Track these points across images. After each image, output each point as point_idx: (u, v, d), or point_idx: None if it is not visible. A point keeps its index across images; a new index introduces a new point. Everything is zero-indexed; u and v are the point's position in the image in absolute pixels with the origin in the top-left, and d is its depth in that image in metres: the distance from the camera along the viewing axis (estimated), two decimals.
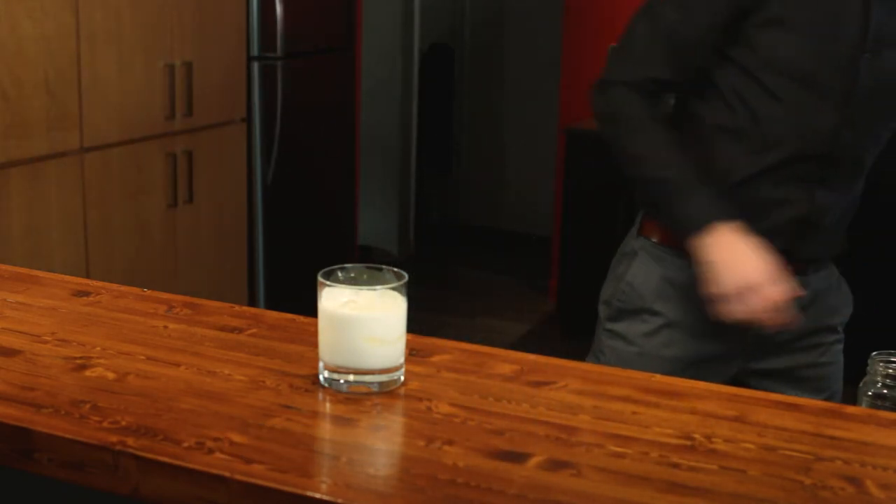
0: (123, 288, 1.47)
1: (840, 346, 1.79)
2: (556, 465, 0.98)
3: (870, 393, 1.22)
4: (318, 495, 0.91)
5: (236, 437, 1.01)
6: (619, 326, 1.73)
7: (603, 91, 1.67)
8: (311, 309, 1.20)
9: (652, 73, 1.63)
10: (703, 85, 1.66)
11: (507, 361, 1.23)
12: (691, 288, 1.65)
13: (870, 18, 1.56)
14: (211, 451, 0.98)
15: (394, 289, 1.14)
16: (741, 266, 1.55)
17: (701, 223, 1.57)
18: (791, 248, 1.65)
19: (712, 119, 1.65)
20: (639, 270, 1.72)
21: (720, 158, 1.65)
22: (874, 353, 1.24)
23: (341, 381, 1.13)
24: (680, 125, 1.70)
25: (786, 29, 1.57)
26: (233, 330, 1.31)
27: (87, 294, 1.44)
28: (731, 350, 1.71)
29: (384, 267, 1.17)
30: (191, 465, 0.96)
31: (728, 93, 1.63)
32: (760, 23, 1.58)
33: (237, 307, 1.40)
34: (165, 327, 1.31)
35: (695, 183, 1.60)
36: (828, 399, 1.67)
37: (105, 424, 1.03)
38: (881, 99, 1.62)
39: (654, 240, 1.72)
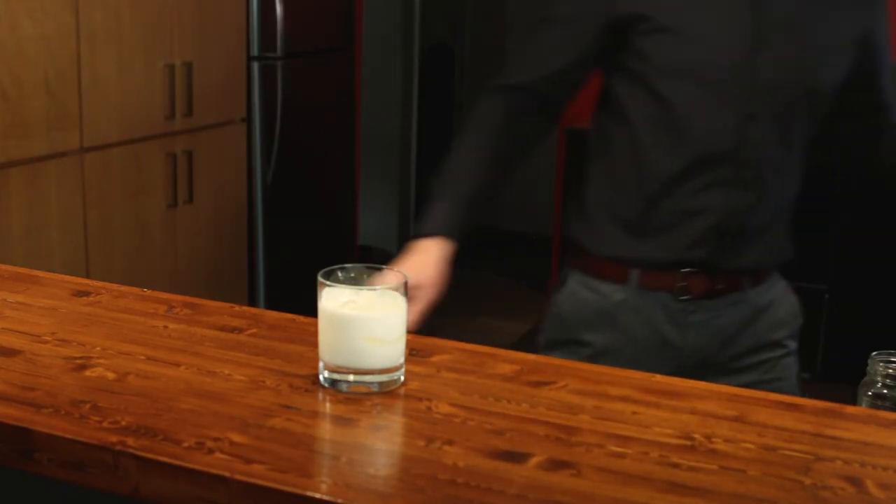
0: (123, 288, 1.47)
1: (790, 360, 1.73)
2: (556, 465, 0.98)
3: (870, 393, 1.22)
4: (318, 495, 0.91)
5: (236, 437, 1.01)
6: (553, 355, 1.70)
7: (479, 96, 1.69)
8: (311, 309, 1.20)
9: (518, 80, 1.65)
10: (608, 100, 1.66)
11: (507, 361, 1.23)
12: (619, 315, 1.64)
13: (760, 13, 1.53)
14: (211, 451, 0.98)
15: (394, 289, 1.14)
16: (412, 267, 1.48)
17: (420, 230, 1.56)
18: (716, 259, 1.62)
19: (620, 133, 1.64)
20: (567, 299, 1.70)
21: (631, 172, 1.63)
22: (874, 353, 1.24)
23: (341, 381, 1.13)
24: (599, 145, 1.69)
25: (673, 34, 1.54)
26: (233, 330, 1.31)
27: (87, 294, 1.44)
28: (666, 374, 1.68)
29: (384, 267, 1.17)
30: (191, 465, 0.96)
31: (630, 104, 1.61)
32: (647, 31, 1.56)
33: (237, 307, 1.40)
34: (165, 327, 1.31)
35: (443, 192, 1.60)
36: None
37: (105, 424, 1.03)
38: (784, 92, 1.57)
39: (581, 268, 1.70)
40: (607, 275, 1.66)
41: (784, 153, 1.61)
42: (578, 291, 1.69)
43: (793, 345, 1.74)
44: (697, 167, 1.58)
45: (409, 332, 1.20)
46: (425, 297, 1.44)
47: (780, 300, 1.74)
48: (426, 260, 1.49)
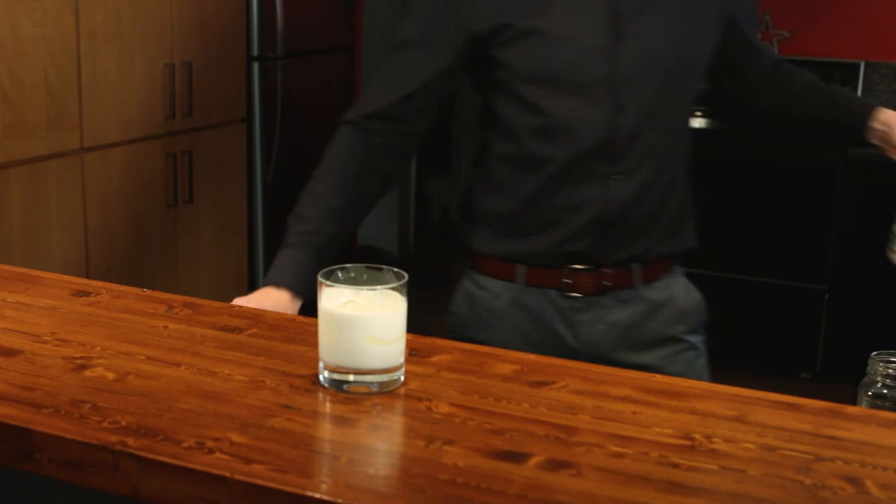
0: (123, 288, 1.47)
1: (691, 354, 1.70)
2: (556, 465, 0.98)
3: (870, 393, 1.22)
4: (318, 495, 0.91)
5: (236, 437, 1.01)
6: None
7: (338, 129, 1.70)
8: (311, 309, 1.20)
9: (378, 107, 1.64)
10: (483, 110, 1.67)
11: (507, 361, 1.23)
12: (510, 313, 1.64)
13: (615, 6, 1.54)
14: (211, 451, 0.98)
15: (394, 289, 1.14)
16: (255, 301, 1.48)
17: (271, 279, 1.54)
18: (600, 252, 1.61)
19: (498, 138, 1.64)
20: (461, 299, 1.71)
21: (510, 175, 1.63)
22: (874, 353, 1.24)
23: (341, 381, 1.13)
24: (481, 151, 1.69)
25: (534, 38, 1.54)
26: (233, 330, 1.31)
27: (87, 294, 1.44)
28: None
29: (384, 267, 1.17)
30: (191, 465, 0.96)
31: (501, 112, 1.61)
32: (508, 40, 1.56)
33: (237, 307, 1.40)
34: (165, 327, 1.31)
35: (297, 240, 1.59)
36: None
37: (105, 424, 1.03)
38: (649, 81, 1.57)
39: (473, 267, 1.70)
40: (495, 273, 1.66)
41: (660, 140, 1.61)
42: (471, 291, 1.69)
43: (694, 339, 1.71)
44: (574, 163, 1.59)
45: None
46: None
47: (679, 296, 1.71)
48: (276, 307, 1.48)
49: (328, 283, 1.14)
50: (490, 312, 1.67)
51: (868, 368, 1.23)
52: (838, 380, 3.28)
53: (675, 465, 0.98)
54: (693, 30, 1.61)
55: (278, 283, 1.51)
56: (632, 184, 1.60)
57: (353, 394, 1.12)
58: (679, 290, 1.72)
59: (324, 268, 1.25)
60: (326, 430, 1.07)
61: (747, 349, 4.02)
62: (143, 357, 1.21)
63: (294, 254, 1.56)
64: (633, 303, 1.65)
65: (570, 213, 1.60)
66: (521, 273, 1.64)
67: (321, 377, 1.15)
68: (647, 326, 1.66)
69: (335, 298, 1.13)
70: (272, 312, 1.39)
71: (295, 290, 1.50)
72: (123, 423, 1.04)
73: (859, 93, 4.18)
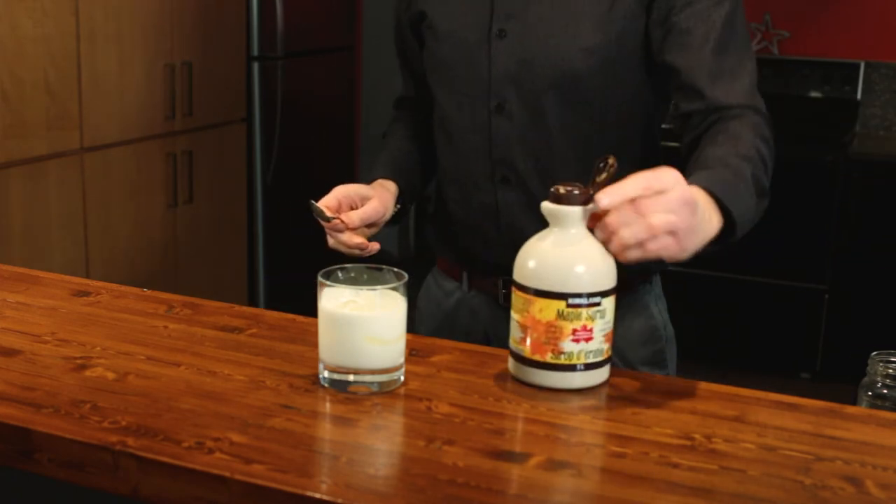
0: (123, 288, 1.47)
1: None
2: (556, 465, 0.98)
3: (870, 393, 1.22)
4: (318, 495, 0.91)
5: (236, 437, 1.01)
6: None
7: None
8: (311, 309, 1.20)
9: (403, 93, 1.72)
10: None
11: (507, 361, 1.23)
12: (458, 314, 1.62)
13: (496, 3, 1.46)
14: (211, 451, 0.98)
15: (394, 289, 1.14)
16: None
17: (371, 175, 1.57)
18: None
19: (437, 138, 1.63)
20: (423, 295, 1.69)
21: (445, 175, 1.62)
22: (874, 353, 1.24)
23: (341, 381, 1.13)
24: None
25: (433, 30, 1.53)
26: (233, 330, 1.31)
27: (87, 294, 1.44)
28: None
29: (384, 267, 1.17)
30: (191, 465, 0.96)
31: (432, 105, 1.61)
32: (425, 29, 1.55)
33: (237, 307, 1.40)
34: (165, 327, 1.31)
35: (385, 149, 1.63)
36: None
37: (105, 424, 1.03)
38: (533, 82, 1.45)
39: (436, 265, 1.69)
40: (448, 273, 1.64)
41: (561, 150, 1.47)
42: (431, 288, 1.68)
43: (649, 370, 1.56)
44: (464, 165, 1.54)
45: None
46: (371, 208, 1.46)
47: (628, 322, 1.55)
48: (382, 187, 1.51)
49: (328, 283, 1.14)
50: (444, 312, 1.65)
51: (868, 368, 1.23)
52: (838, 380, 3.29)
53: (675, 465, 0.98)
54: (596, 30, 1.42)
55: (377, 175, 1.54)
56: (521, 194, 1.50)
57: (353, 394, 1.12)
58: (630, 314, 1.55)
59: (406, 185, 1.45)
60: (326, 430, 1.07)
61: (747, 349, 4.02)
62: (143, 357, 1.21)
63: (383, 164, 1.58)
64: None
65: (482, 218, 1.55)
66: (465, 277, 1.61)
67: (321, 377, 1.15)
68: None
69: (335, 298, 1.13)
70: (272, 312, 1.39)
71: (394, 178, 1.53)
72: (123, 423, 1.04)
73: (859, 93, 4.18)
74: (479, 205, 1.54)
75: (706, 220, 1.16)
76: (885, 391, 1.21)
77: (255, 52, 3.77)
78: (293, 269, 3.93)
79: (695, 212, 1.11)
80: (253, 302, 3.89)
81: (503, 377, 1.18)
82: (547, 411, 1.10)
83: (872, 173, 3.82)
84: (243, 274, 3.86)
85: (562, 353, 1.12)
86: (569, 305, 1.11)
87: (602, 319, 1.12)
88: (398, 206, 1.53)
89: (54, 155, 2.99)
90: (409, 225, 5.50)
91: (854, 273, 3.85)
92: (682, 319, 4.27)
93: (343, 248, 1.46)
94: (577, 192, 1.13)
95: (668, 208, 1.07)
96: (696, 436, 1.04)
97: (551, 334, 1.12)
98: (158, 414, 1.06)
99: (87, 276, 3.06)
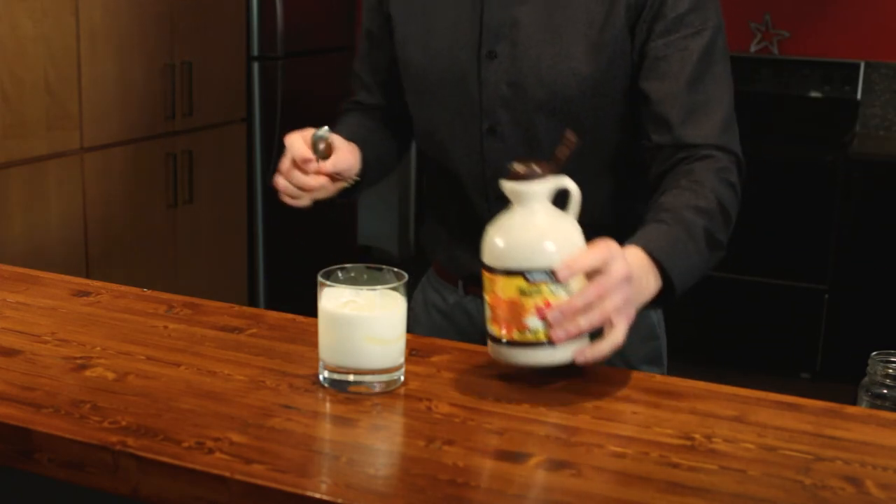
0: (123, 288, 1.47)
1: None
2: (556, 465, 0.98)
3: (870, 393, 1.22)
4: (318, 495, 0.91)
5: (236, 437, 1.01)
6: None
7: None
8: (311, 309, 1.20)
9: (361, 98, 1.68)
10: None
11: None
12: (454, 316, 1.60)
13: (484, 23, 1.43)
14: (211, 451, 0.98)
15: (394, 289, 1.14)
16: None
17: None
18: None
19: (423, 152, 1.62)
20: (417, 297, 1.68)
21: (435, 188, 1.61)
22: (874, 353, 1.24)
23: (341, 381, 1.13)
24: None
25: (414, 43, 1.50)
26: (233, 330, 1.31)
27: (87, 294, 1.44)
28: None
29: (384, 267, 1.17)
30: (191, 465, 0.96)
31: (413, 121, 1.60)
32: (397, 41, 1.52)
33: (237, 307, 1.40)
34: (165, 327, 1.31)
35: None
36: None
37: (105, 424, 1.03)
38: (525, 104, 1.43)
39: (431, 269, 1.68)
40: (443, 277, 1.64)
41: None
42: (427, 291, 1.67)
43: (647, 369, 1.56)
44: (456, 180, 1.52)
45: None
46: (342, 158, 1.40)
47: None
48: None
49: (328, 283, 1.14)
50: (440, 313, 1.64)
51: (868, 368, 1.23)
52: (838, 380, 3.29)
53: (675, 465, 0.98)
54: (587, 52, 1.40)
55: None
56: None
57: (353, 394, 1.12)
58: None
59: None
60: (326, 430, 1.07)
61: (747, 349, 4.02)
62: (143, 357, 1.21)
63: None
64: None
65: (476, 233, 1.46)
66: (460, 283, 1.60)
67: (321, 377, 1.15)
68: None
69: (335, 298, 1.13)
70: (272, 312, 1.39)
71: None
72: (123, 423, 1.04)
73: (859, 93, 4.18)
74: (474, 220, 1.50)
75: (643, 287, 1.19)
76: (885, 391, 1.21)
77: (255, 52, 3.77)
78: (293, 269, 3.93)
79: (630, 283, 1.13)
80: (253, 302, 3.89)
81: (503, 377, 1.18)
82: (547, 411, 1.10)
83: (872, 173, 3.81)
84: (243, 274, 3.86)
85: (527, 329, 1.11)
86: (528, 282, 1.10)
87: (566, 295, 1.10)
88: (358, 176, 1.48)
89: (54, 155, 2.99)
90: (409, 225, 5.50)
91: (854, 273, 3.85)
92: (683, 319, 4.26)
93: (292, 191, 1.40)
94: (536, 168, 1.13)
95: (619, 291, 1.11)
96: (696, 436, 1.05)
97: (515, 312, 1.11)
98: (158, 414, 1.06)
99: (87, 276, 3.06)
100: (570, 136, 1.15)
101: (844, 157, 3.83)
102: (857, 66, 4.17)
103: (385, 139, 1.63)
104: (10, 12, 2.79)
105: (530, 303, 1.11)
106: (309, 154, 1.36)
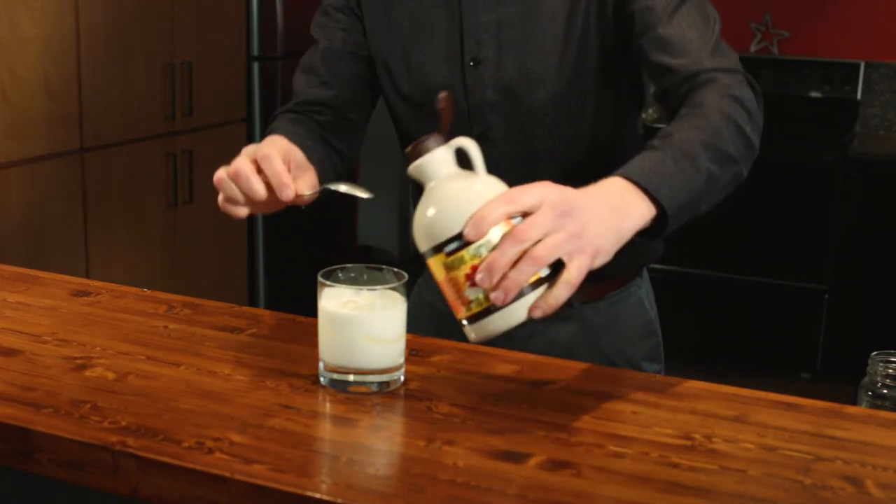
0: (123, 288, 1.47)
1: None
2: (556, 465, 0.98)
3: (870, 393, 1.22)
4: (318, 495, 0.91)
5: (236, 437, 1.01)
6: None
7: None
8: (311, 309, 1.20)
9: (311, 97, 1.58)
10: None
11: (507, 361, 1.23)
12: (452, 319, 1.60)
13: (465, 33, 1.42)
14: (211, 451, 0.98)
15: (394, 289, 1.14)
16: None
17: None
18: None
19: None
20: (414, 299, 1.66)
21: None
22: (874, 353, 1.24)
23: (341, 381, 1.13)
24: None
25: (395, 59, 1.50)
26: (233, 330, 1.31)
27: (87, 294, 1.44)
28: None
29: (384, 267, 1.17)
30: (191, 465, 0.96)
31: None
32: (376, 54, 1.51)
33: (237, 307, 1.40)
34: (165, 327, 1.31)
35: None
36: None
37: (105, 424, 1.03)
38: (515, 107, 1.43)
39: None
40: None
41: (539, 165, 1.44)
42: (423, 291, 1.66)
43: (648, 366, 1.58)
44: None
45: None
46: (310, 183, 1.30)
47: (626, 318, 1.56)
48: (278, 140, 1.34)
49: (328, 283, 1.14)
50: (438, 314, 1.64)
51: (868, 368, 1.23)
52: (838, 380, 3.28)
53: (675, 465, 0.98)
54: (570, 47, 1.40)
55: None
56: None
57: (353, 394, 1.12)
58: (628, 311, 1.57)
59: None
60: (326, 430, 1.07)
61: (747, 349, 4.02)
62: (143, 357, 1.21)
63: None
64: (570, 322, 1.53)
65: None
66: None
67: (321, 377, 1.15)
68: (588, 349, 1.54)
69: (335, 298, 1.13)
70: (272, 312, 1.39)
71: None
72: (123, 423, 1.04)
73: (859, 93, 4.18)
74: None
75: (622, 214, 1.08)
76: (885, 391, 1.21)
77: (255, 52, 3.77)
78: (293, 269, 3.93)
79: (573, 216, 1.02)
80: (253, 302, 3.89)
81: (503, 377, 1.18)
82: (547, 411, 1.10)
83: (872, 173, 3.82)
84: (243, 274, 3.86)
85: (471, 301, 1.04)
86: (447, 255, 1.03)
87: (490, 251, 1.01)
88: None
89: (54, 155, 2.99)
90: (409, 225, 5.50)
91: (854, 273, 3.85)
92: (683, 319, 4.27)
93: (237, 197, 1.25)
94: (422, 143, 1.07)
95: (545, 227, 1.01)
96: (696, 436, 1.04)
97: (454, 288, 1.04)
98: (158, 414, 1.06)
99: (87, 276, 3.06)
100: (442, 97, 1.10)
101: (844, 157, 3.83)
102: (857, 66, 4.17)
103: (330, 153, 1.55)
104: (10, 12, 2.79)
105: (460, 274, 1.03)
106: (287, 180, 1.23)
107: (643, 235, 1.13)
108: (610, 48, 1.42)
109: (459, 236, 1.02)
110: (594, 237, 1.04)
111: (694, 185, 1.18)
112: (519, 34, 1.42)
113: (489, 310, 1.03)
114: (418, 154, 1.08)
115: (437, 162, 1.08)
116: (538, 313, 1.02)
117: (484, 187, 1.05)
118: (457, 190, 1.05)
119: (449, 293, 1.05)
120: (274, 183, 1.22)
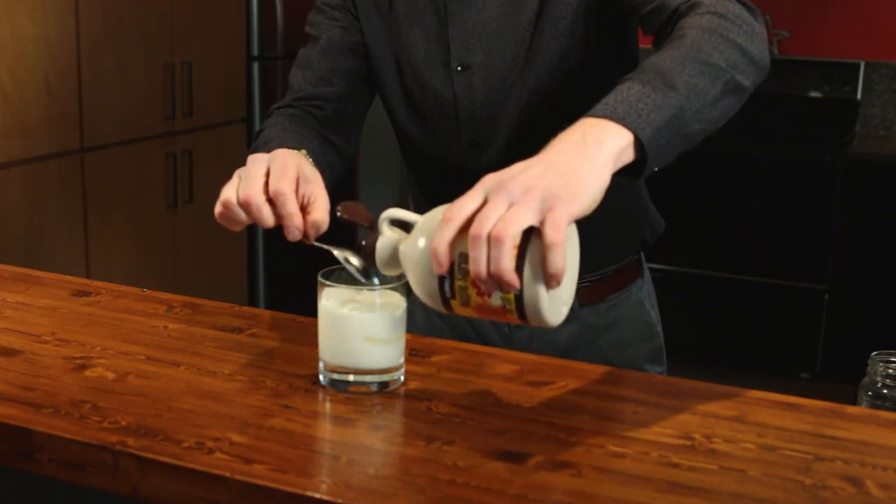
0: (123, 288, 1.47)
1: None
2: (556, 465, 0.98)
3: (870, 393, 1.22)
4: (318, 495, 0.91)
5: (236, 437, 1.01)
6: None
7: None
8: (311, 309, 1.20)
9: (308, 92, 1.60)
10: None
11: (507, 361, 1.23)
12: (456, 321, 1.58)
13: (450, 39, 1.42)
14: (211, 451, 0.98)
15: (394, 289, 1.14)
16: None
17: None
18: None
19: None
20: (414, 297, 1.67)
21: (414, 186, 1.61)
22: (874, 353, 1.24)
23: (341, 382, 1.13)
24: None
25: (385, 67, 1.50)
26: (233, 330, 1.31)
27: (87, 294, 1.44)
28: None
29: None
30: (191, 465, 0.96)
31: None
32: (372, 55, 1.51)
33: (237, 307, 1.40)
34: (165, 327, 1.31)
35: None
36: None
37: (105, 424, 1.03)
38: (505, 110, 1.42)
39: None
40: None
41: None
42: None
43: (650, 367, 1.58)
44: (432, 185, 1.52)
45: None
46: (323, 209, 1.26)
47: (627, 319, 1.56)
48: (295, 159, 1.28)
49: (328, 283, 1.14)
50: (436, 313, 1.63)
51: (868, 368, 1.23)
52: (838, 380, 3.29)
53: (675, 465, 0.98)
54: (558, 43, 1.38)
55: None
56: None
57: (353, 394, 1.12)
58: (628, 313, 1.56)
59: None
60: (326, 430, 1.07)
61: (747, 349, 4.02)
62: (143, 357, 1.21)
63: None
64: (571, 323, 1.49)
65: None
66: None
67: (321, 377, 1.15)
68: (588, 350, 1.53)
69: (335, 298, 1.13)
70: (272, 312, 1.39)
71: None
72: (123, 423, 1.04)
73: (859, 93, 4.18)
74: None
75: (577, 154, 1.00)
76: (885, 391, 1.21)
77: (255, 52, 3.77)
78: (293, 269, 3.93)
79: (517, 180, 0.97)
80: (253, 302, 3.89)
81: (503, 377, 1.18)
82: (547, 411, 1.10)
83: (872, 173, 3.82)
84: (243, 274, 3.86)
85: (503, 306, 0.99)
86: (452, 297, 1.02)
87: (466, 261, 0.98)
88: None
89: (54, 155, 2.99)
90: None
91: (854, 273, 3.85)
92: (683, 319, 4.27)
93: (241, 219, 1.25)
94: (364, 241, 1.12)
95: (495, 212, 0.96)
96: (696, 436, 1.04)
97: (485, 310, 1.01)
98: (158, 414, 1.06)
99: (87, 276, 3.06)
100: (339, 213, 1.16)
101: (844, 158, 3.83)
102: (857, 66, 4.17)
103: (328, 151, 1.53)
104: (10, 12, 2.79)
105: (474, 297, 1.00)
106: (298, 221, 1.22)
107: (632, 174, 1.04)
108: (596, 42, 1.39)
109: (442, 279, 1.00)
110: (555, 188, 0.96)
111: (670, 103, 1.07)
112: (506, 35, 1.40)
113: (519, 297, 0.98)
114: (370, 255, 1.12)
115: (385, 248, 1.11)
116: (553, 284, 0.95)
117: (425, 235, 1.05)
118: (408, 253, 1.07)
119: (488, 316, 1.03)
120: (285, 224, 1.21)
